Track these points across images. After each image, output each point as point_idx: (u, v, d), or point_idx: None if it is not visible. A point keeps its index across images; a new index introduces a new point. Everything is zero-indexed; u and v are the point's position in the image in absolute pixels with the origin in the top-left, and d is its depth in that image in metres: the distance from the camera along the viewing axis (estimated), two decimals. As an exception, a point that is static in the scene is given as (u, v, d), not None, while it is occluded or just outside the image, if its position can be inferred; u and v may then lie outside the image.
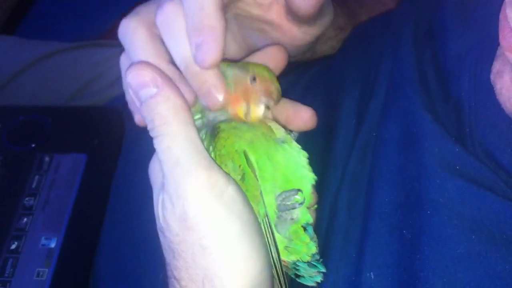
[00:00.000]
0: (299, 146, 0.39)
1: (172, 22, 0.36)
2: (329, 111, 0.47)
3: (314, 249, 0.37)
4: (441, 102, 0.39)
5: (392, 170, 0.38)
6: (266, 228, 0.36)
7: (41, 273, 0.53)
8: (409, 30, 0.45)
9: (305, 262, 0.37)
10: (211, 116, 0.38)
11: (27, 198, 0.57)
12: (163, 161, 0.34)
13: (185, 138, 0.34)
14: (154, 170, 0.36)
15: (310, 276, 0.37)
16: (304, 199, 0.37)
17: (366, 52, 0.48)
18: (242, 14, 0.43)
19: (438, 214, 0.34)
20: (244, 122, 0.38)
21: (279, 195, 0.37)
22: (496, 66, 0.36)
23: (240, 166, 0.36)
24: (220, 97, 0.36)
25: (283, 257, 0.37)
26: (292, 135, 0.40)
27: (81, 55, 0.76)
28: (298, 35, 0.45)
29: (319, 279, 0.37)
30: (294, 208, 0.37)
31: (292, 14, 0.42)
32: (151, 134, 0.35)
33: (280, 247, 0.37)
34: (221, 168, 0.35)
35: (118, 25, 0.39)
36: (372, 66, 0.46)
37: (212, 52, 0.35)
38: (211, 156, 0.35)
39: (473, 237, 0.33)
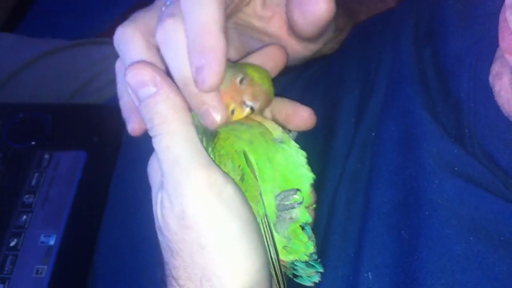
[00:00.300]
0: (298, 146, 0.39)
1: (172, 39, 0.35)
2: (328, 110, 0.47)
3: (312, 248, 0.37)
4: (440, 102, 0.39)
5: (391, 169, 0.38)
6: (265, 228, 0.36)
7: (40, 270, 0.53)
8: (409, 29, 0.45)
9: (303, 262, 0.37)
10: None
11: (26, 196, 0.57)
12: (162, 160, 0.34)
13: (184, 137, 0.34)
14: (153, 169, 0.36)
15: (308, 276, 0.37)
16: (303, 198, 0.37)
17: (366, 51, 0.48)
18: (242, 24, 0.43)
19: (436, 214, 0.34)
20: (242, 123, 0.38)
21: (278, 194, 0.37)
22: (495, 68, 0.36)
23: (239, 166, 0.36)
24: (218, 118, 0.36)
25: (281, 257, 0.37)
26: (291, 134, 0.40)
27: (81, 53, 0.76)
28: (298, 49, 0.45)
29: (317, 279, 0.37)
30: (293, 207, 0.37)
31: (294, 32, 0.42)
32: (150, 133, 0.35)
33: (279, 247, 0.37)
34: (220, 167, 0.35)
35: (118, 24, 0.38)
36: (372, 65, 0.46)
37: (213, 75, 0.34)
38: (210, 156, 0.35)
39: (471, 237, 0.33)
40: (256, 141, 0.37)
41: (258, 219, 0.36)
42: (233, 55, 0.43)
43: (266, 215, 0.36)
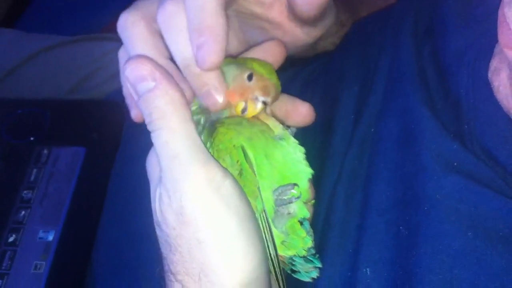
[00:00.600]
0: (297, 142, 0.39)
1: (173, 21, 0.36)
2: (327, 107, 0.47)
3: (310, 243, 0.37)
4: (440, 99, 0.39)
5: (390, 166, 0.38)
6: (263, 223, 0.36)
7: (38, 266, 0.53)
8: (409, 26, 0.45)
9: (301, 257, 0.37)
10: (208, 112, 0.38)
11: (25, 191, 0.57)
12: (160, 155, 0.34)
13: (183, 133, 0.34)
14: (152, 164, 0.36)
15: (306, 272, 0.38)
16: (301, 193, 0.37)
17: (366, 48, 0.48)
18: (243, 11, 0.43)
19: (435, 210, 0.34)
20: (242, 119, 0.38)
21: (276, 189, 0.37)
22: (494, 63, 0.36)
23: (238, 161, 0.36)
24: (220, 98, 0.36)
25: (280, 252, 0.37)
26: (290, 130, 0.40)
27: (80, 48, 0.76)
28: (300, 35, 0.45)
29: (315, 274, 0.37)
30: (290, 202, 0.37)
31: (295, 15, 0.42)
32: (149, 128, 0.35)
33: (277, 242, 0.37)
34: (219, 162, 0.35)
35: (117, 19, 0.38)
36: (372, 62, 0.46)
37: (213, 53, 0.34)
38: (208, 151, 0.35)
39: (470, 233, 0.33)
40: (255, 138, 0.37)
41: (257, 214, 0.36)
42: (235, 46, 0.43)
43: (264, 210, 0.36)
